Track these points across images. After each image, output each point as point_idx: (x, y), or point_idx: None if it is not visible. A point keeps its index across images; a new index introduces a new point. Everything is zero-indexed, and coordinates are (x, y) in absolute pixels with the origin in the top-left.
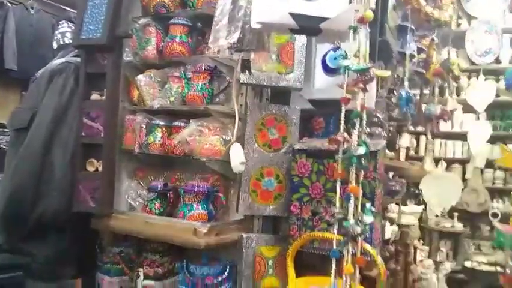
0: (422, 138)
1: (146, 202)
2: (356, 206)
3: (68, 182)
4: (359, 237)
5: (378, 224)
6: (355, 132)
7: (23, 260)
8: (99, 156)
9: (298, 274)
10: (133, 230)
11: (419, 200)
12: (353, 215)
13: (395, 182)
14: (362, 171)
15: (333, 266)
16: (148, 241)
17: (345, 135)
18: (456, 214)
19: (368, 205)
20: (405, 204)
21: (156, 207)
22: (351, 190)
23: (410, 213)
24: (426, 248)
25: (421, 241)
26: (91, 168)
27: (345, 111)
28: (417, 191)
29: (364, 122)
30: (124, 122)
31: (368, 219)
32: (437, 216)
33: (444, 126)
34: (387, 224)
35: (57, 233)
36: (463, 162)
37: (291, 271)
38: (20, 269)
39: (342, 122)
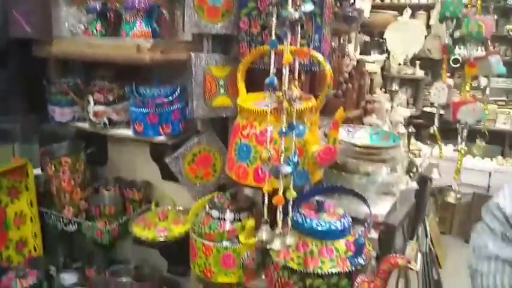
0: None
1: (86, 25)
2: None
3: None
4: (298, 25)
5: (328, 36)
6: None
7: None
8: None
9: (250, 92)
10: (75, 53)
11: (382, 49)
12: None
13: (353, 8)
14: None
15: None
16: (95, 68)
17: None
18: (418, 62)
19: None
20: (369, 54)
21: (97, 29)
22: None
23: (373, 62)
24: (387, 95)
25: (383, 89)
26: None
27: None
28: (381, 40)
29: None
30: None
31: (308, 7)
32: (399, 64)
33: None
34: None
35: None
36: (428, 9)
37: (241, 86)
38: None
39: None
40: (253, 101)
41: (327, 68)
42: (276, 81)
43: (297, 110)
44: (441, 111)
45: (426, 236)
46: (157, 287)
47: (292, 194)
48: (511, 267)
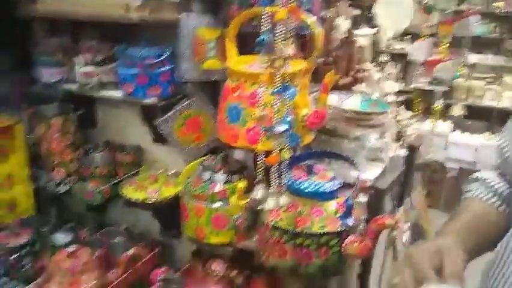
0: None
1: None
2: None
3: None
4: None
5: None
6: None
7: None
8: None
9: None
10: (61, 12)
11: (372, 23)
12: None
13: None
14: None
15: None
16: (84, 28)
17: None
18: (407, 37)
19: None
20: (359, 28)
21: None
22: None
23: (362, 36)
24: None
25: (373, 63)
26: None
27: None
28: (371, 14)
29: None
30: None
31: None
32: (389, 39)
33: None
34: None
35: None
36: None
37: (231, 48)
38: None
39: None
40: (244, 64)
41: (318, 29)
42: (267, 39)
43: (288, 72)
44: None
45: (414, 208)
46: (149, 248)
47: (286, 154)
48: (485, 186)
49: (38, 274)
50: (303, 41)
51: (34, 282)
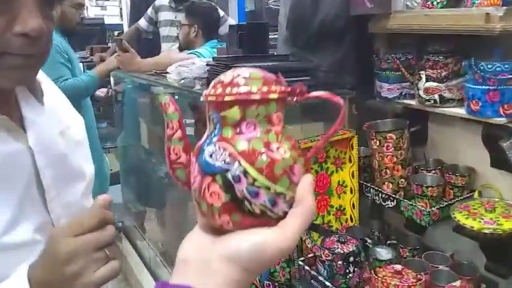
0: None
1: None
2: None
3: None
4: None
5: None
6: None
7: (309, 65)
8: None
9: None
10: (412, 27)
11: None
12: None
13: None
14: None
15: None
16: (427, 43)
17: None
18: None
19: None
20: None
21: (438, 0)
22: None
23: None
24: None
25: None
26: None
27: None
28: None
29: None
30: None
31: None
32: None
33: None
34: None
35: (336, 41)
36: None
37: None
38: (306, 74)
39: None
40: None
41: None
42: None
43: None
44: None
45: None
46: (475, 283)
47: None
48: None
49: (361, 284)
50: None
51: None
